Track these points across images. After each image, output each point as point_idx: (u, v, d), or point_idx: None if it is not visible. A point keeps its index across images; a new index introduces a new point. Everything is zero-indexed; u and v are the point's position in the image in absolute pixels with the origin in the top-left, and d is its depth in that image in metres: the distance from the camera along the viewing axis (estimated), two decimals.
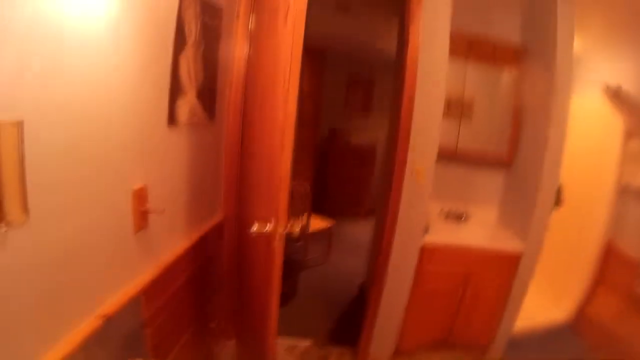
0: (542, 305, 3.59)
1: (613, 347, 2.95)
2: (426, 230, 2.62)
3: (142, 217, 1.48)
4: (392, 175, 2.49)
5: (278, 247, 1.70)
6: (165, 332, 1.77)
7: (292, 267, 3.53)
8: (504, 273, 2.73)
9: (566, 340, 3.28)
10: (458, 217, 3.04)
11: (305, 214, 4.24)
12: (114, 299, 1.35)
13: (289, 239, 4.17)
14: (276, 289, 1.78)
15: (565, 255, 3.60)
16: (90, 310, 1.24)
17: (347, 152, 5.65)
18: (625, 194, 3.01)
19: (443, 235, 2.70)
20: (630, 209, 2.96)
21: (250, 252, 2.09)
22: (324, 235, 4.72)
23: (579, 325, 3.37)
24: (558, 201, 3.60)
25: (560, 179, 3.34)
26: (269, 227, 1.69)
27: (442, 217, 3.06)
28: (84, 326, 1.19)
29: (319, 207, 4.91)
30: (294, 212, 4.17)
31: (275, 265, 1.73)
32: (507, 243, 2.73)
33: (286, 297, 3.34)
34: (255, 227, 1.71)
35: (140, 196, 1.46)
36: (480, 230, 2.90)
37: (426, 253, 2.60)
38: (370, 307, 2.74)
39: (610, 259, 3.12)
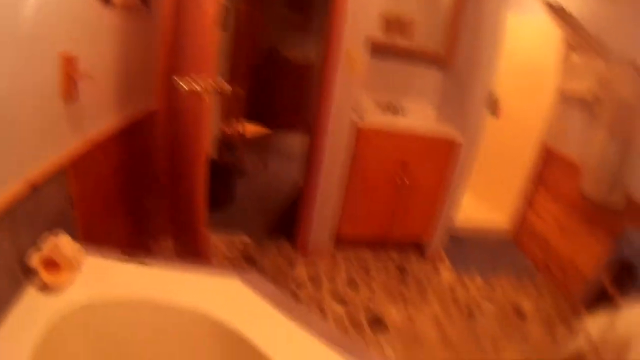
0: (482, 213, 3.86)
1: (551, 255, 3.21)
2: (361, 117, 2.65)
3: (71, 85, 1.40)
4: (326, 60, 2.48)
5: (207, 102, 1.74)
6: (97, 219, 1.70)
7: (229, 174, 3.53)
8: (442, 161, 2.84)
9: (506, 248, 3.55)
10: (395, 110, 3.07)
11: (241, 120, 4.26)
12: (41, 169, 1.29)
13: (227, 147, 4.18)
14: (205, 148, 1.83)
15: (504, 165, 3.83)
16: (16, 175, 1.18)
17: (286, 68, 5.72)
18: (565, 103, 3.18)
19: (379, 122, 2.72)
20: (569, 116, 3.13)
21: (182, 131, 2.06)
22: (262, 143, 4.76)
23: (518, 233, 3.63)
24: (495, 111, 3.76)
25: (498, 90, 3.47)
26: (198, 83, 1.69)
27: (379, 108, 3.07)
28: (10, 191, 1.14)
29: (257, 118, 4.93)
30: (230, 114, 4.17)
31: (205, 120, 1.79)
32: (446, 132, 2.82)
33: (224, 202, 3.36)
34: (185, 85, 1.68)
35: (69, 63, 1.37)
36: (418, 121, 2.96)
37: (362, 136, 2.64)
38: (308, 193, 2.77)
39: (550, 165, 3.32)
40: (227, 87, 1.80)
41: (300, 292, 2.54)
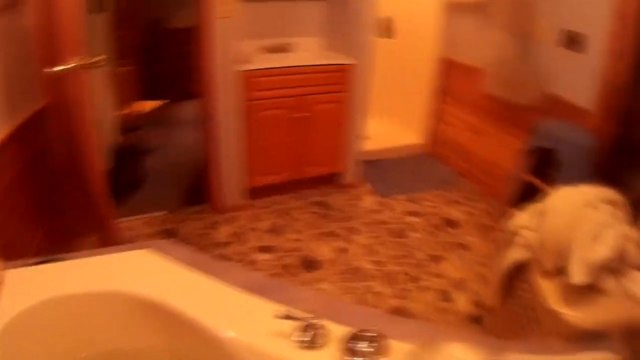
0: (396, 134, 3.83)
1: (472, 160, 3.26)
2: (247, 64, 2.52)
3: None
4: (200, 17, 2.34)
5: (85, 85, 1.70)
6: (10, 229, 1.58)
7: (136, 155, 3.36)
8: (338, 89, 2.78)
9: (425, 163, 3.57)
10: (283, 49, 2.96)
11: (138, 98, 4.07)
12: None
13: (129, 129, 3.96)
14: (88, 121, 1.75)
15: (409, 84, 3.81)
16: None
17: (171, 37, 5.47)
18: (456, 11, 3.19)
19: (267, 63, 2.61)
20: (461, 23, 3.15)
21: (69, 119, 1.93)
22: (164, 117, 4.58)
23: (435, 146, 3.65)
24: (390, 33, 3.74)
25: (390, 11, 3.44)
26: (70, 63, 1.59)
27: (265, 52, 2.94)
28: None
29: (155, 93, 4.71)
30: (125, 96, 3.95)
31: (85, 105, 1.73)
32: (337, 59, 2.76)
33: (136, 183, 3.19)
34: (60, 70, 1.58)
35: None
36: (307, 55, 2.88)
37: (251, 83, 2.52)
38: (211, 153, 2.66)
39: (452, 74, 3.34)
40: (100, 62, 1.70)
41: (226, 250, 2.42)
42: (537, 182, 2.18)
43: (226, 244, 2.49)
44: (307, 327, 0.93)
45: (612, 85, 2.16)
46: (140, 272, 1.17)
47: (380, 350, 0.87)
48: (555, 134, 2.20)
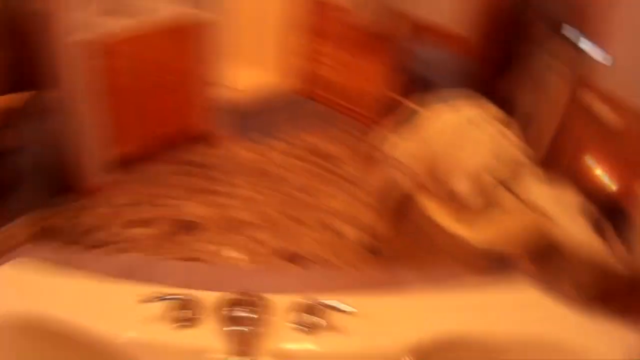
0: (264, 79, 3.66)
1: (344, 94, 3.26)
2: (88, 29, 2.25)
3: None
4: None
5: None
6: None
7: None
8: (189, 43, 2.61)
9: (297, 104, 3.52)
10: (125, 12, 2.59)
11: None
12: None
13: None
14: None
15: (270, 27, 3.63)
16: None
17: (24, 20, 4.90)
18: None
19: (109, 27, 2.34)
20: None
21: None
22: (26, 110, 4.20)
23: (304, 85, 3.58)
24: None
25: None
26: None
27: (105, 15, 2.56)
28: None
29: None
30: None
31: None
32: (183, 13, 2.56)
33: (11, 188, 2.95)
34: None
35: None
36: (150, 13, 2.59)
37: (94, 56, 2.26)
38: (66, 135, 2.42)
39: (315, 11, 3.27)
40: None
41: (100, 235, 2.23)
42: (414, 106, 2.28)
43: (99, 227, 2.28)
44: (181, 304, 0.86)
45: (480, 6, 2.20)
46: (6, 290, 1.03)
47: (261, 311, 0.84)
48: (427, 58, 2.26)
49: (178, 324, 0.86)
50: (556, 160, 2.48)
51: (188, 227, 2.24)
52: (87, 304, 0.96)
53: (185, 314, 0.86)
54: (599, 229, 1.95)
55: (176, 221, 2.28)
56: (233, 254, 2.08)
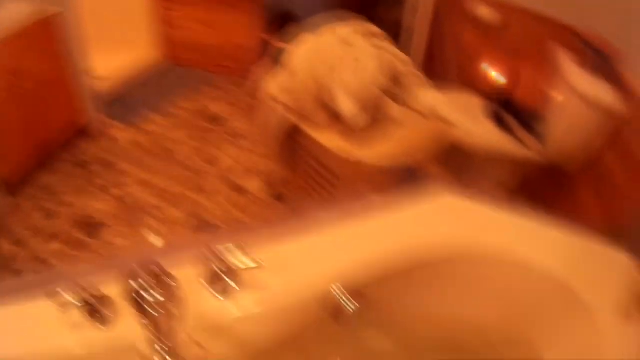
0: (130, 56, 3.41)
1: (214, 53, 3.16)
2: None
3: None
4: None
5: None
6: None
7: None
8: (48, 41, 2.36)
9: (169, 74, 3.34)
10: None
11: None
12: None
13: None
14: None
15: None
16: None
17: None
18: None
19: None
20: None
21: None
22: None
23: (172, 53, 3.41)
24: None
25: None
26: None
27: None
28: None
29: None
30: None
31: None
32: (38, 11, 2.27)
33: None
34: None
35: None
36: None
37: None
38: None
39: None
40: None
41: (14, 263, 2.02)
42: (283, 43, 2.19)
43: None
44: (95, 305, 0.79)
45: None
46: None
47: (172, 289, 0.77)
48: None
49: (96, 326, 0.79)
50: (447, 67, 2.53)
51: (91, 228, 2.13)
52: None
53: (101, 313, 0.79)
54: (503, 125, 2.02)
55: (78, 227, 2.15)
56: (144, 240, 1.97)
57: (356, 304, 0.94)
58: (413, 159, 1.19)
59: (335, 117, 1.29)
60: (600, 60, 1.73)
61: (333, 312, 0.95)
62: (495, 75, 2.53)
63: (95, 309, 0.77)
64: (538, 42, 2.34)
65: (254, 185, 2.21)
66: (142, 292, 0.73)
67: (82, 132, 2.73)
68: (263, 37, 2.35)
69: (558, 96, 1.98)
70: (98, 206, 2.26)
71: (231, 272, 0.86)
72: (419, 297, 1.11)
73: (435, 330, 1.21)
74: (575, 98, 1.76)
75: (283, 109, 1.38)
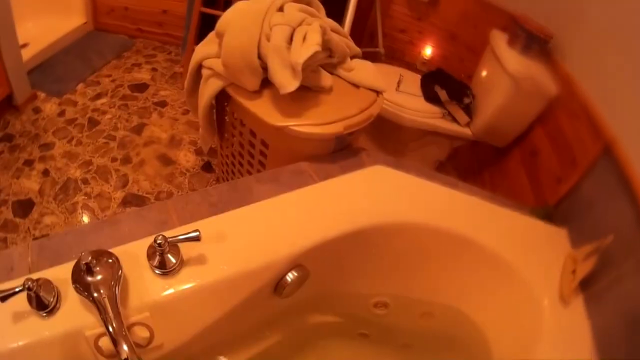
0: (52, 25, 3.17)
1: (137, 17, 3.07)
2: None
3: None
4: None
5: None
6: None
7: None
8: None
9: (92, 41, 3.17)
10: None
11: None
12: None
13: None
14: None
15: None
16: None
17: None
18: None
19: None
20: None
21: None
22: None
23: (96, 19, 3.24)
24: None
25: None
26: None
27: None
28: None
29: None
30: None
31: None
32: None
33: None
34: None
35: None
36: None
37: None
38: None
39: None
40: None
41: None
42: (210, 10, 2.11)
43: None
44: (30, 291, 0.72)
45: None
46: None
47: (114, 270, 0.76)
48: None
49: (38, 314, 0.75)
50: (378, 39, 2.56)
51: (22, 207, 2.06)
52: None
53: (45, 300, 0.75)
54: (433, 99, 2.07)
55: (7, 207, 2.07)
56: (79, 217, 2.01)
57: (295, 273, 0.98)
58: (344, 130, 1.21)
59: (266, 84, 1.27)
60: (531, 41, 1.82)
61: (272, 282, 0.98)
62: (426, 49, 2.60)
63: (36, 295, 0.73)
64: (469, 19, 2.41)
65: (181, 155, 2.22)
66: (82, 274, 0.74)
67: (5, 104, 2.59)
68: (195, 6, 2.29)
69: (489, 74, 2.05)
70: (25, 183, 2.19)
71: (172, 248, 0.85)
72: (354, 265, 1.16)
73: (373, 297, 1.26)
74: (506, 76, 1.83)
75: (211, 74, 1.34)
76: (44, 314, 0.75)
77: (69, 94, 2.70)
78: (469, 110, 2.06)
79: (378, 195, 1.15)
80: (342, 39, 1.38)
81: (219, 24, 1.32)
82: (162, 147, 2.25)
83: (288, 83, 1.16)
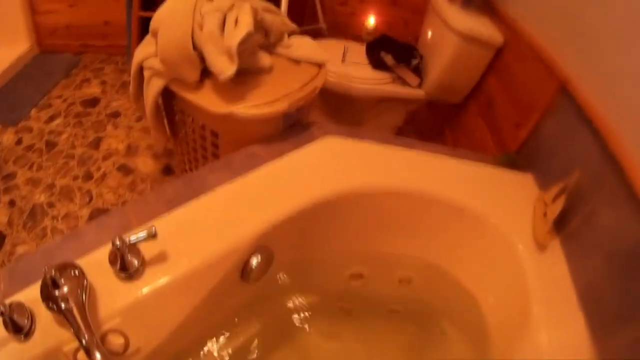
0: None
1: (79, 34, 2.99)
2: None
3: None
4: None
5: None
6: None
7: None
8: None
9: (38, 64, 3.05)
10: None
11: None
12: None
13: None
14: None
15: None
16: None
17: None
18: None
19: None
20: None
21: None
22: None
23: (39, 39, 3.14)
24: None
25: None
26: None
27: None
28: None
29: None
30: None
31: None
32: None
33: None
34: None
35: None
36: None
37: None
38: None
39: None
40: None
41: None
42: (149, 13, 2.08)
43: None
44: (5, 317, 0.73)
45: None
46: None
47: (79, 281, 0.77)
48: None
49: (19, 337, 0.75)
50: (317, 12, 2.54)
51: None
52: None
53: (19, 322, 0.75)
54: (381, 65, 2.07)
55: None
56: (49, 241, 1.98)
57: (259, 256, 0.98)
58: (289, 106, 1.20)
59: (206, 74, 1.27)
60: None
61: (238, 269, 0.97)
62: (369, 18, 2.60)
63: (11, 319, 0.73)
64: None
65: (140, 162, 2.21)
66: (49, 289, 0.74)
67: None
68: (134, 12, 2.27)
69: (433, 33, 2.06)
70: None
71: (132, 250, 0.86)
72: (319, 239, 1.16)
73: (347, 268, 1.27)
74: (450, 33, 1.84)
75: (152, 74, 1.32)
76: (22, 337, 0.75)
77: (23, 120, 2.65)
78: (418, 71, 2.06)
79: (331, 165, 1.16)
80: (277, 17, 1.37)
81: (152, 23, 1.31)
82: (120, 158, 2.24)
83: (226, 68, 1.16)
